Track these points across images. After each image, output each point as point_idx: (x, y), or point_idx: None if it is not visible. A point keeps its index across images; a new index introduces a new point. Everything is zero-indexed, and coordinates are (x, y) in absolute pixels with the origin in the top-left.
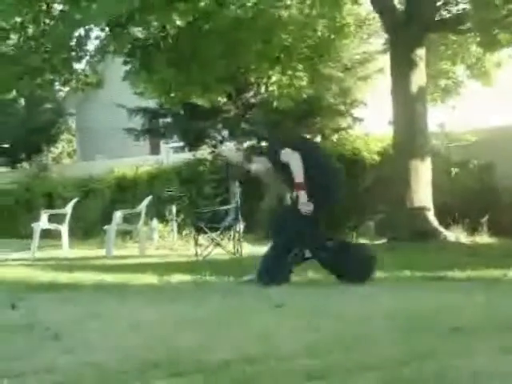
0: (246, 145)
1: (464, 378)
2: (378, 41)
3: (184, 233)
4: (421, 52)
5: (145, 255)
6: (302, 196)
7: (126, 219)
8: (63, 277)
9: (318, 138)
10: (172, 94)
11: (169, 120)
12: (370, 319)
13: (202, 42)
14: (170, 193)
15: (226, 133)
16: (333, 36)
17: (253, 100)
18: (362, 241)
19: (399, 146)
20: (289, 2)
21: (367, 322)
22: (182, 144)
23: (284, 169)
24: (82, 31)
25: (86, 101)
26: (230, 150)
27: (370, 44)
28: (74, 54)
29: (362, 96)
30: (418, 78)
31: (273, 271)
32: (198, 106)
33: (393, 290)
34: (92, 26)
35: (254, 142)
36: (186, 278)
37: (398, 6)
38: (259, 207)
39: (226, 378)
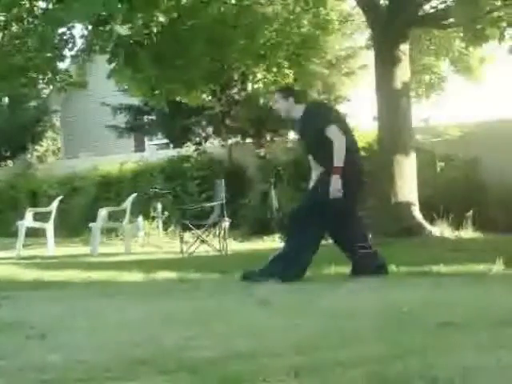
0: (230, 141)
1: (452, 373)
2: (362, 36)
3: (169, 230)
4: (404, 47)
5: (130, 253)
6: (337, 181)
7: (111, 217)
8: (48, 275)
9: None
10: (156, 92)
11: (153, 117)
12: (357, 315)
13: (186, 39)
14: (154, 190)
15: (210, 129)
16: (317, 32)
17: (237, 97)
18: None
19: (384, 141)
20: None
21: (354, 318)
22: (166, 141)
23: (321, 141)
24: (65, 30)
25: (70, 98)
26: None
27: (354, 40)
28: (57, 53)
29: (346, 92)
30: (402, 73)
31: (295, 266)
32: (182, 103)
33: (379, 285)
34: (75, 24)
35: (238, 138)
36: (172, 275)
37: (382, 2)
38: (244, 204)
39: (213, 375)
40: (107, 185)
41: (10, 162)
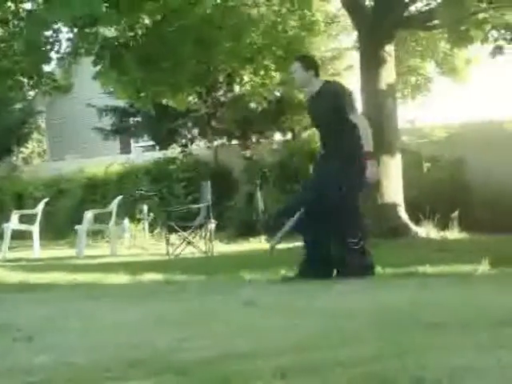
0: (216, 143)
1: (441, 373)
2: (348, 38)
3: (155, 232)
4: (390, 48)
5: (116, 255)
6: (375, 166)
7: (97, 219)
8: (34, 277)
9: (289, 136)
10: (142, 94)
11: (139, 119)
12: (345, 316)
13: (171, 41)
14: (140, 192)
15: (196, 131)
16: (303, 33)
17: (223, 98)
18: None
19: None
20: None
21: (342, 318)
22: (152, 143)
23: (338, 124)
24: (51, 33)
25: (55, 100)
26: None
27: (339, 41)
28: (43, 56)
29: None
30: (388, 74)
31: (327, 262)
32: (168, 105)
33: (365, 286)
34: (61, 27)
35: (224, 140)
36: (158, 277)
37: (367, 3)
38: (230, 206)
39: (204, 376)
40: (93, 187)
41: None
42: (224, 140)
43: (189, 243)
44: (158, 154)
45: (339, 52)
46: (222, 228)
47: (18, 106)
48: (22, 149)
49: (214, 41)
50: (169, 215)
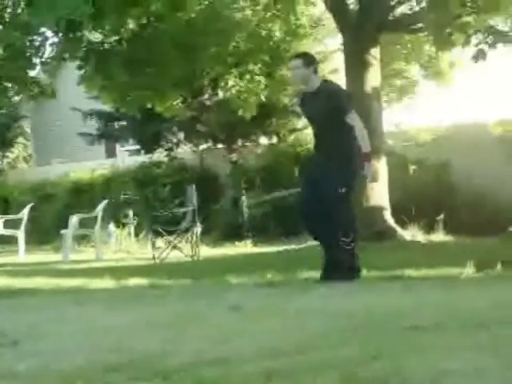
0: (201, 147)
1: (422, 376)
2: (333, 41)
3: (141, 236)
4: (375, 51)
5: (102, 259)
6: (370, 167)
7: (83, 223)
8: (20, 282)
9: (274, 139)
10: (127, 99)
11: (124, 123)
12: (329, 319)
13: (157, 45)
14: (126, 196)
15: (181, 135)
16: (288, 38)
17: (208, 102)
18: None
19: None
20: (242, 4)
21: (325, 322)
22: (137, 147)
23: (334, 124)
24: (36, 37)
25: (40, 105)
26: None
27: (324, 44)
28: (28, 61)
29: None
30: (373, 77)
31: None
32: (153, 109)
33: (350, 289)
34: (46, 31)
35: (209, 143)
36: (144, 281)
37: (352, 7)
38: (216, 209)
39: (187, 381)
40: (79, 191)
41: None
42: (209, 144)
43: (174, 247)
44: (143, 158)
45: (324, 55)
46: (207, 232)
47: (3, 110)
48: (8, 153)
49: (198, 45)
50: (154, 219)
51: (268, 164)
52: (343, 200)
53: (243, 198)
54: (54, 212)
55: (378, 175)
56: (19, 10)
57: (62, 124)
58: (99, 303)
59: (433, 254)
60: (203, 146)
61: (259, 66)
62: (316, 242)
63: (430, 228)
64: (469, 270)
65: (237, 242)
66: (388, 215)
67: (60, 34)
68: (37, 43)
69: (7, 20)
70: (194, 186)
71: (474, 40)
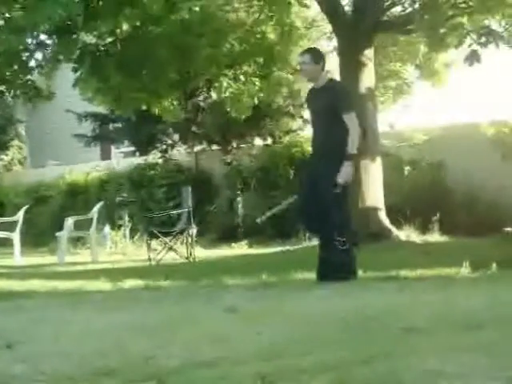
0: (196, 148)
1: (415, 377)
2: (327, 42)
3: (136, 238)
4: (369, 52)
5: (97, 261)
6: (349, 167)
7: (78, 225)
8: (15, 285)
9: (269, 141)
10: (122, 101)
11: (119, 125)
12: (324, 320)
13: (151, 47)
14: (121, 198)
15: (176, 137)
16: (283, 40)
17: (202, 104)
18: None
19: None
20: (237, 5)
21: (320, 323)
22: (132, 149)
23: (334, 122)
24: (30, 40)
25: (35, 107)
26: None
27: (319, 45)
28: (24, 64)
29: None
30: (367, 78)
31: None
32: (148, 111)
33: (346, 290)
34: (39, 33)
35: (204, 145)
36: (139, 283)
37: (346, 8)
38: (211, 211)
39: (180, 383)
40: (74, 193)
41: None
42: (204, 145)
43: (170, 249)
44: (138, 160)
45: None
46: (203, 233)
47: None
48: (3, 156)
49: (193, 47)
50: (150, 221)
51: (263, 165)
52: (339, 200)
53: (238, 199)
54: (49, 214)
55: (350, 178)
56: (13, 14)
57: (57, 126)
58: (95, 305)
59: (428, 254)
60: (198, 148)
61: (253, 67)
62: (312, 243)
63: (425, 228)
64: (464, 271)
65: (232, 244)
66: (383, 216)
67: (54, 36)
68: (32, 46)
69: (1, 24)
70: (189, 188)
71: (467, 41)
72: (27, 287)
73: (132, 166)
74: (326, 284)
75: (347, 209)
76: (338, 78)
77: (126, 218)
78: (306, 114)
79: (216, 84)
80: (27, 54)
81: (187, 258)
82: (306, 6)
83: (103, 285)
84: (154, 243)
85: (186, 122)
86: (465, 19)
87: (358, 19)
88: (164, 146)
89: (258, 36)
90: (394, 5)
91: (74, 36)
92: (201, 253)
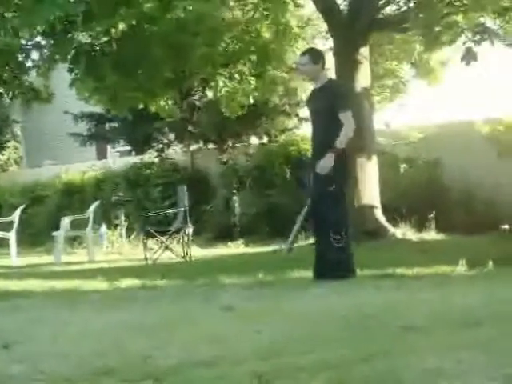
0: (192, 147)
1: (414, 376)
2: (323, 41)
3: (133, 237)
4: (365, 51)
5: (94, 261)
6: (330, 159)
7: (75, 225)
8: (12, 285)
9: (265, 139)
10: (118, 100)
11: (115, 124)
12: (321, 319)
13: (146, 46)
14: (117, 197)
15: (172, 136)
16: (278, 39)
17: (198, 103)
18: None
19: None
20: (232, 4)
21: (318, 321)
22: (128, 148)
23: (331, 121)
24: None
25: (31, 107)
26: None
27: (314, 44)
28: (21, 65)
29: (306, 96)
30: (363, 76)
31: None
32: (144, 110)
33: (343, 289)
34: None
35: (200, 144)
36: (136, 282)
37: (342, 7)
38: (207, 210)
39: (178, 383)
40: (70, 193)
41: None
42: (200, 144)
43: (166, 248)
44: (134, 159)
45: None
46: (199, 232)
47: None
48: None
49: (188, 46)
50: (146, 220)
51: (259, 164)
52: (335, 198)
53: (234, 198)
54: (45, 214)
55: (327, 169)
56: (9, 15)
57: (53, 126)
58: (92, 305)
59: (424, 252)
60: (194, 147)
61: (249, 66)
62: (308, 242)
63: (421, 226)
64: (461, 268)
65: (229, 243)
66: (379, 214)
67: (50, 37)
68: (28, 47)
69: None
70: (185, 187)
71: (462, 39)
72: (24, 287)
73: (128, 166)
74: (322, 282)
75: (344, 207)
76: (333, 76)
77: (123, 218)
78: (302, 112)
79: (212, 83)
80: (23, 54)
81: (183, 258)
82: (299, 5)
83: (100, 284)
84: (151, 242)
85: (181, 121)
86: (460, 17)
87: (353, 18)
88: (160, 145)
89: (253, 35)
90: (388, 3)
91: (69, 35)
92: (197, 252)
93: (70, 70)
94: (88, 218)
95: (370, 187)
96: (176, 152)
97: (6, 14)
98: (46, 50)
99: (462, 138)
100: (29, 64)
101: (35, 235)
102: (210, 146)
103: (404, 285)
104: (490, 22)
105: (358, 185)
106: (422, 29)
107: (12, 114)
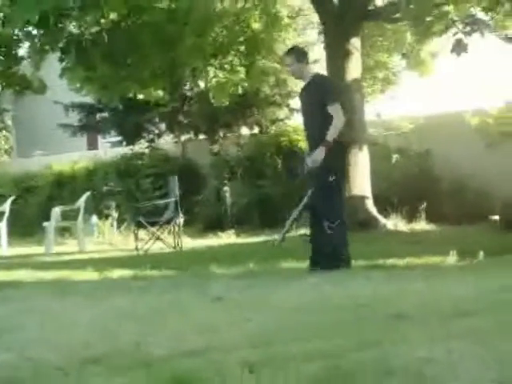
0: (183, 138)
1: (405, 364)
2: (314, 31)
3: (123, 227)
4: (356, 41)
5: (85, 251)
6: (321, 152)
7: (65, 215)
8: (2, 275)
9: (256, 130)
10: (108, 90)
11: (106, 115)
12: (312, 309)
13: (137, 36)
14: (108, 188)
15: (163, 126)
16: (268, 30)
17: (189, 93)
18: (302, 231)
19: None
20: None
21: (309, 311)
22: (119, 138)
23: (321, 115)
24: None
25: (22, 97)
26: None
27: (305, 35)
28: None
29: (297, 86)
30: (354, 67)
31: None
32: (135, 100)
33: (334, 279)
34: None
35: (191, 134)
36: (127, 272)
37: None
38: (198, 200)
39: (167, 372)
40: (61, 183)
41: None
42: (191, 135)
43: (157, 238)
44: (125, 150)
45: (305, 46)
46: (190, 223)
47: None
48: None
49: (178, 36)
50: (137, 211)
51: (250, 154)
52: (332, 189)
53: (225, 188)
54: (36, 204)
55: (318, 162)
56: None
57: (44, 116)
58: (82, 295)
59: (415, 243)
60: (185, 137)
61: (238, 56)
62: (300, 232)
63: (412, 217)
64: (451, 259)
65: (220, 233)
66: (370, 204)
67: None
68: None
69: None
70: (176, 177)
71: (453, 30)
72: (14, 277)
73: (119, 156)
74: (314, 273)
75: (341, 198)
76: (324, 67)
77: (113, 208)
78: (293, 103)
79: (202, 73)
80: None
81: (174, 248)
82: None
83: (90, 274)
84: (142, 233)
85: (172, 111)
86: (451, 8)
87: (344, 8)
88: (151, 136)
89: (243, 25)
90: None
91: (61, 26)
92: (188, 242)
93: (61, 60)
94: (79, 208)
95: (361, 178)
96: (167, 142)
97: None
98: (36, 40)
99: (452, 129)
100: (21, 54)
101: (26, 226)
102: (201, 136)
103: (395, 275)
104: (480, 13)
105: (349, 176)
106: (413, 19)
107: (2, 104)
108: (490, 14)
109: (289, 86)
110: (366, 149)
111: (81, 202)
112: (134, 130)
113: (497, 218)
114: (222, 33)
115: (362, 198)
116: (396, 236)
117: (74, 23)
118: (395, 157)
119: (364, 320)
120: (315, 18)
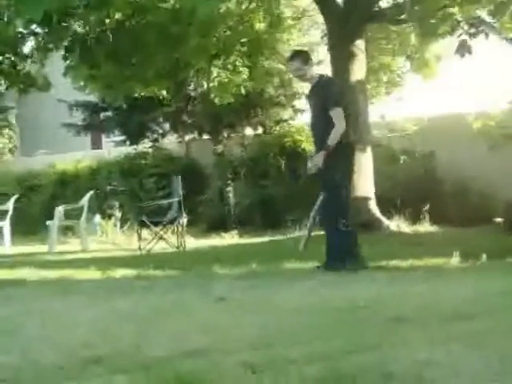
0: (187, 138)
1: (405, 367)
2: (318, 32)
3: (127, 227)
4: (360, 43)
5: (88, 250)
6: (322, 157)
7: (69, 214)
8: (5, 274)
9: (260, 130)
10: (112, 89)
11: (110, 114)
12: (314, 311)
13: (141, 35)
14: (112, 187)
15: (167, 126)
16: (271, 30)
17: (193, 93)
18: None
19: (340, 136)
20: None
21: (310, 313)
22: (123, 138)
23: (323, 114)
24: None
25: (26, 95)
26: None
27: (310, 36)
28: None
29: (302, 87)
30: (359, 69)
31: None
32: (139, 100)
33: (336, 281)
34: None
35: (195, 134)
36: (130, 272)
37: None
38: (202, 200)
39: (169, 372)
40: (64, 182)
41: None
42: (195, 135)
43: (160, 238)
44: (129, 149)
45: (309, 47)
46: (193, 223)
47: None
48: None
49: (182, 36)
50: (140, 210)
51: (254, 155)
52: (339, 189)
53: (229, 189)
54: (39, 203)
55: (318, 166)
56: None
57: (48, 115)
58: (85, 294)
59: (418, 244)
60: (189, 137)
61: (241, 57)
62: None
63: (415, 218)
64: (454, 261)
65: (223, 233)
66: (374, 206)
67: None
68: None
69: None
70: (179, 177)
71: (458, 31)
72: (17, 276)
73: (122, 155)
74: (316, 274)
75: (346, 197)
76: (329, 68)
77: (117, 207)
78: (298, 104)
79: (206, 73)
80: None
81: (177, 248)
82: None
83: (93, 274)
84: (145, 232)
85: (176, 111)
86: (456, 9)
87: (349, 9)
88: (155, 136)
89: (247, 25)
90: None
91: (65, 25)
92: (191, 242)
93: (65, 58)
94: (82, 207)
95: (364, 179)
96: (171, 142)
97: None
98: (40, 39)
99: (456, 131)
100: (25, 52)
101: (29, 224)
102: (205, 136)
103: (397, 277)
104: (485, 14)
105: (352, 177)
106: (418, 21)
107: (5, 103)
108: (496, 16)
109: (294, 87)
110: (369, 150)
111: (84, 201)
112: (137, 129)
113: (501, 220)
114: (225, 33)
115: (365, 199)
116: (399, 237)
117: (79, 22)
118: (403, 158)
119: (364, 322)
120: (320, 18)
